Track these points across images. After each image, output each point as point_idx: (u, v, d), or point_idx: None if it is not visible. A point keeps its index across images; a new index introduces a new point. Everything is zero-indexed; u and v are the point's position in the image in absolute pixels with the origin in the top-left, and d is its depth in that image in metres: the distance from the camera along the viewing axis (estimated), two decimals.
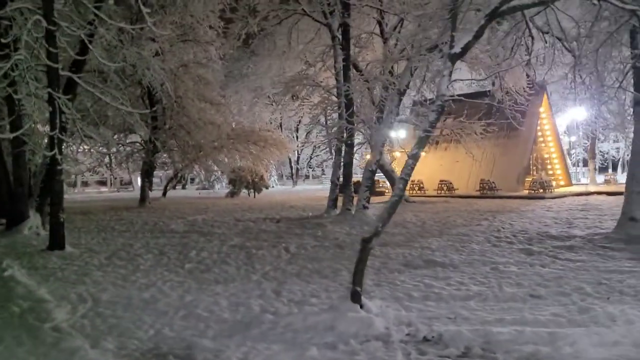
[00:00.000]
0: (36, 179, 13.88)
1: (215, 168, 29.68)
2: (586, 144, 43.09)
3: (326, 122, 40.52)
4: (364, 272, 5.25)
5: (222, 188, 41.86)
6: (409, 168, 5.17)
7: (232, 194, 33.50)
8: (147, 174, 24.64)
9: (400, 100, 15.69)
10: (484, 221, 13.77)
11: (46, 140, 12.89)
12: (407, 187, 25.40)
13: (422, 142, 5.25)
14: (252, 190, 34.12)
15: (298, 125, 49.65)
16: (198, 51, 24.68)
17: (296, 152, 51.37)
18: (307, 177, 65.94)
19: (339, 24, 16.49)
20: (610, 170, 45.97)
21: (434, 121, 5.25)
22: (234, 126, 28.35)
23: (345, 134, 15.97)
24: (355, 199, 16.15)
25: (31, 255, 9.49)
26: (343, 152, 17.00)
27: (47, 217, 13.82)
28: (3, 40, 8.96)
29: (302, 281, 7.14)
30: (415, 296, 5.97)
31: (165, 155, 27.23)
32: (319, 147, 55.35)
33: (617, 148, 46.06)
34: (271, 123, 37.67)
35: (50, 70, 9.04)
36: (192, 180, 54.13)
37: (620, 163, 44.92)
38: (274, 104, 33.54)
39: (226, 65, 29.55)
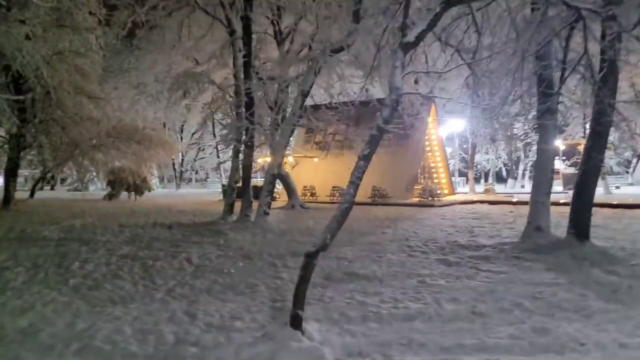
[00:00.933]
0: None
1: (92, 168, 27.03)
2: (462, 155, 46.12)
3: (214, 124, 39.17)
4: (305, 292, 4.52)
5: (97, 189, 38.64)
6: (360, 171, 4.56)
7: (110, 197, 30.90)
8: (11, 173, 21.66)
9: (304, 101, 15.17)
10: (387, 229, 13.64)
11: None
12: (300, 193, 25.36)
13: (374, 142, 4.67)
14: (133, 193, 31.74)
15: (183, 125, 47.37)
16: (76, 39, 22.21)
17: (180, 153, 49.00)
18: (189, 180, 63.29)
19: (241, 17, 15.59)
20: (484, 180, 49.56)
21: (388, 117, 4.70)
22: (114, 123, 26.02)
23: (245, 135, 15.10)
24: (254, 204, 15.34)
25: None
26: (241, 154, 16.13)
27: None
28: None
29: (215, 299, 6.22)
30: (352, 316, 5.35)
31: (33, 152, 24.26)
32: (203, 149, 53.47)
33: (488, 159, 49.75)
34: (158, 123, 35.55)
35: None
36: (63, 180, 49.39)
37: (490, 174, 48.51)
38: (157, 101, 31.49)
39: (106, 57, 27.08)
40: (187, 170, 58.39)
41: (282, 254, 9.66)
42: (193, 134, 46.46)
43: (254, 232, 12.89)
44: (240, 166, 16.12)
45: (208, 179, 65.45)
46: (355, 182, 4.57)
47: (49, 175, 27.12)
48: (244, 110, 15.24)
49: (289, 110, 19.29)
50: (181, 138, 49.42)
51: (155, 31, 23.45)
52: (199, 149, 52.05)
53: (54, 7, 18.82)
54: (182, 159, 53.64)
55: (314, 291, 6.51)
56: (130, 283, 7.13)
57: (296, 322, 4.35)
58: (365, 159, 4.62)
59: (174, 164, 50.06)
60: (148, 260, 8.91)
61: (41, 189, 29.19)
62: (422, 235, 12.25)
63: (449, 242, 11.11)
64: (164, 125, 41.92)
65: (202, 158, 55.79)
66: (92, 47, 22.87)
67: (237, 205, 15.93)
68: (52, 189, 46.46)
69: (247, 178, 15.67)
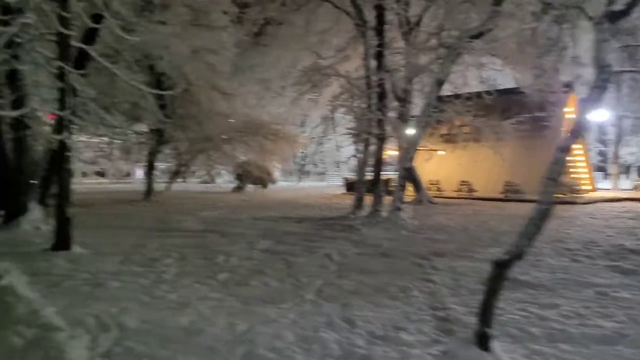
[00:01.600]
0: (38, 167, 12.44)
1: (222, 161, 28.24)
2: (600, 148, 41.90)
3: (338, 117, 39.21)
4: (494, 306, 3.89)
5: (224, 182, 40.50)
6: (561, 165, 3.84)
7: (238, 189, 32.17)
8: (151, 166, 23.22)
9: (439, 91, 14.35)
10: None
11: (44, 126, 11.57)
12: (426, 187, 24.41)
13: (577, 130, 3.91)
14: (259, 186, 32.79)
15: (305, 119, 48.13)
16: (210, 37, 23.19)
17: (302, 147, 49.86)
18: (308, 173, 64.41)
19: (374, 6, 15.11)
20: (627, 176, 44.70)
21: (595, 100, 3.91)
22: (242, 118, 26.90)
23: (376, 128, 14.64)
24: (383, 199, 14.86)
25: (32, 257, 8.08)
26: (369, 147, 15.71)
27: (49, 210, 12.48)
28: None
29: (368, 303, 5.77)
30: (535, 334, 4.60)
31: (169, 146, 25.81)
32: (323, 143, 53.99)
33: (633, 152, 44.73)
34: (281, 118, 36.34)
35: (62, 39, 7.63)
36: (192, 173, 52.66)
37: (634, 168, 43.63)
38: (281, 97, 32.13)
39: (235, 55, 28.05)
40: (307, 164, 59.42)
41: (424, 253, 9.04)
42: (315, 127, 46.97)
43: (387, 228, 12.39)
44: (366, 159, 15.72)
45: (327, 172, 66.18)
46: (554, 178, 3.84)
47: (183, 168, 28.72)
48: (374, 102, 14.78)
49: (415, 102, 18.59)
50: (303, 132, 50.26)
51: (282, 27, 23.77)
52: (320, 142, 52.58)
53: (192, 7, 19.78)
54: (303, 153, 54.62)
55: (476, 298, 5.83)
56: (276, 280, 6.94)
57: (483, 342, 3.74)
58: (565, 150, 3.87)
59: (295, 158, 51.09)
60: (288, 256, 8.75)
61: (173, 182, 31.04)
62: (577, 237, 10.94)
63: (613, 245, 9.77)
64: (287, 120, 42.88)
65: (322, 152, 56.33)
66: (224, 44, 23.79)
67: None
68: (183, 181, 49.67)
69: (378, 172, 15.21)
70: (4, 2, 7.62)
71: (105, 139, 20.90)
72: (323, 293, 6.25)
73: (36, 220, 11.76)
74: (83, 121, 11.33)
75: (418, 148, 23.33)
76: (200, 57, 21.68)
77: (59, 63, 7.56)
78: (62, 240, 8.56)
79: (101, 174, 44.28)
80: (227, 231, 11.89)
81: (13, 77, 9.63)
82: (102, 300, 5.70)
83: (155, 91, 12.82)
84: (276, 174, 40.52)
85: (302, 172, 56.43)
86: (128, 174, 50.39)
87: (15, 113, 7.62)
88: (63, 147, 8.33)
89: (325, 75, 18.57)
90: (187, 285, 6.60)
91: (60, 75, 7.62)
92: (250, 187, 32.89)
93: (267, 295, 6.14)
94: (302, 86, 20.14)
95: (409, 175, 21.40)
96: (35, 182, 12.21)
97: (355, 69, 17.84)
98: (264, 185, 33.26)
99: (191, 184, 43.80)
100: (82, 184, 36.99)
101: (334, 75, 18.44)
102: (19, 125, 10.69)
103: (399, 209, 13.46)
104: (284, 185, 43.39)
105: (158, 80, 20.82)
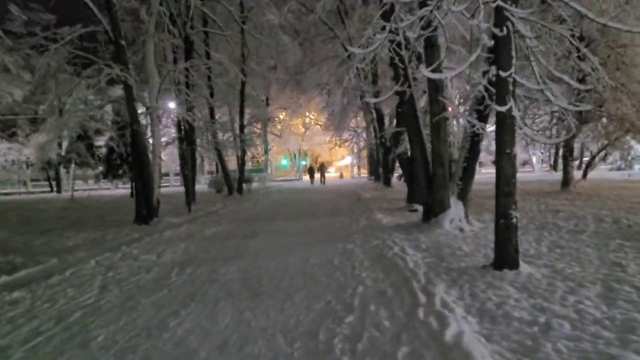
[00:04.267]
0: (459, 156, 10.70)
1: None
2: None
3: None
4: None
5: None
6: None
7: None
8: (570, 150, 19.49)
9: None
10: None
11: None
12: None
13: None
14: None
15: None
16: None
17: None
18: None
19: None
20: None
21: None
22: None
23: None
24: None
25: (470, 279, 5.95)
26: None
27: (468, 207, 10.63)
28: None
29: None
30: None
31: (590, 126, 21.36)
32: None
33: None
34: None
35: None
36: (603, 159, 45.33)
37: None
38: None
39: None
40: None
41: None
42: None
43: None
44: None
45: None
46: None
47: (605, 152, 23.65)
48: None
49: None
50: None
51: None
52: None
53: None
54: None
55: None
56: None
57: None
58: None
59: None
60: None
61: (593, 168, 25.96)
62: None
63: None
64: None
65: None
66: None
67: None
68: (591, 169, 43.19)
69: None
70: None
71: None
72: None
73: (458, 219, 10.00)
74: None
75: None
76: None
77: None
78: (506, 255, 6.15)
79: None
80: None
81: None
82: None
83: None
84: None
85: None
86: (525, 163, 46.96)
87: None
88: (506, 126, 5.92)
89: None
90: None
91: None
92: None
93: None
94: None
95: None
96: (456, 172, 10.48)
97: None
98: None
99: (600, 172, 37.21)
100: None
101: None
102: (437, 108, 9.09)
103: None
104: None
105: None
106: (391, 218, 12.48)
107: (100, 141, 31.21)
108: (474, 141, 10.12)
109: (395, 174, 30.65)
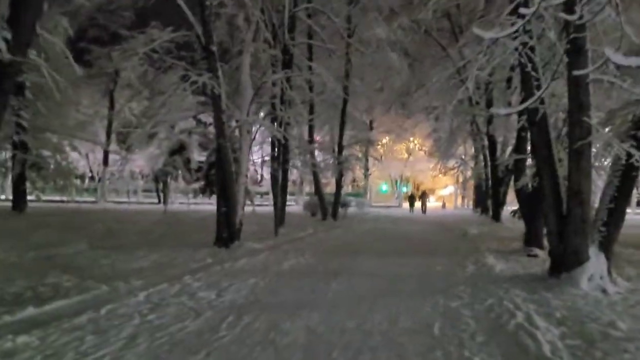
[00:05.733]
0: (603, 194, 8.34)
1: None
2: None
3: None
4: None
5: None
6: None
7: None
8: None
9: None
10: None
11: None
12: None
13: None
14: None
15: None
16: None
17: None
18: None
19: None
20: None
21: None
22: None
23: None
24: None
25: None
26: None
27: (613, 260, 8.25)
28: None
29: None
30: None
31: None
32: None
33: None
34: None
35: None
36: None
37: None
38: None
39: None
40: None
41: None
42: None
43: None
44: None
45: None
46: None
47: None
48: None
49: None
50: None
51: None
52: None
53: None
54: None
55: None
56: None
57: None
58: None
59: None
60: None
61: None
62: None
63: None
64: None
65: None
66: None
67: None
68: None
69: None
70: None
71: None
72: None
73: (599, 276, 7.67)
74: None
75: None
76: None
77: None
78: None
79: None
80: None
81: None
82: None
83: None
84: None
85: None
86: None
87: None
88: None
89: None
90: None
91: None
92: None
93: None
94: None
95: None
96: (599, 215, 8.15)
97: None
98: None
99: None
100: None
101: None
102: (578, 132, 6.95)
103: None
104: None
105: None
106: (506, 264, 10.26)
107: (202, 156, 31.45)
108: (626, 176, 7.81)
109: (507, 208, 27.68)
